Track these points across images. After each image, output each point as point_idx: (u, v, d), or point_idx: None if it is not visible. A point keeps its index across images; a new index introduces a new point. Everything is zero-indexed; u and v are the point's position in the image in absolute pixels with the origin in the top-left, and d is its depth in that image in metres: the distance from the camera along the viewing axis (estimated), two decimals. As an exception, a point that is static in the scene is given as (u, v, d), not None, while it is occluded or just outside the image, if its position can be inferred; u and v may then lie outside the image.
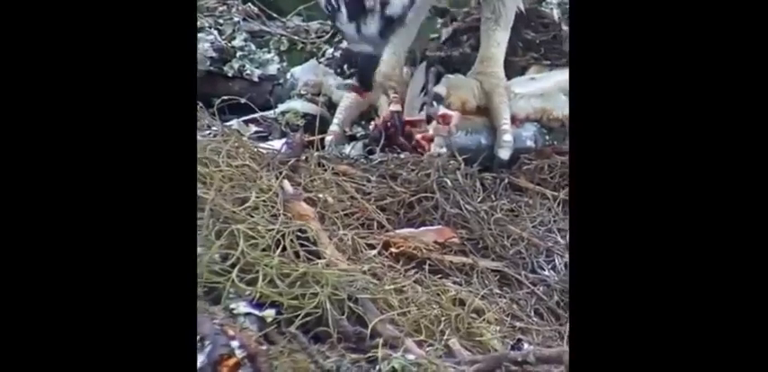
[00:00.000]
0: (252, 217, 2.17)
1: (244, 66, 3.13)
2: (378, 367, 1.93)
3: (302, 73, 3.09)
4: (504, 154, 2.84)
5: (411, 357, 1.95)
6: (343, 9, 2.57)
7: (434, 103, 2.88)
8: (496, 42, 2.95)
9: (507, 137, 2.85)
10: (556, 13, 3.48)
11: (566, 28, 3.45)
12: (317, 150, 2.68)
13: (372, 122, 2.90)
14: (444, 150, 2.80)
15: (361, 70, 2.74)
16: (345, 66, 3.15)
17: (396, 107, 2.85)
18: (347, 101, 2.94)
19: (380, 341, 1.99)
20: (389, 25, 2.59)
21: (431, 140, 2.84)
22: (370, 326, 2.04)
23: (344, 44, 3.15)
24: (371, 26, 2.58)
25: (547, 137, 2.98)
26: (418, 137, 2.83)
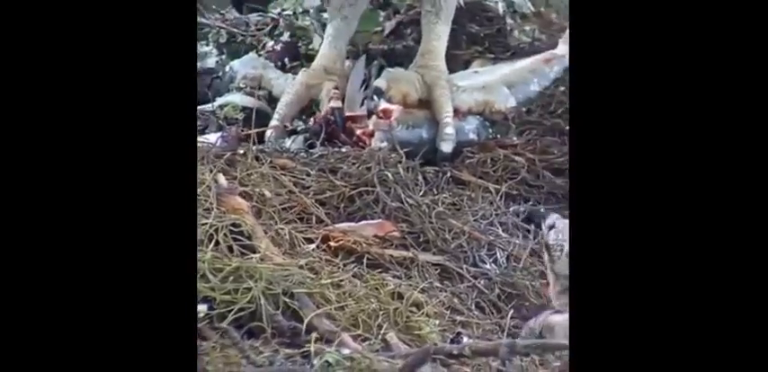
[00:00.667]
0: (185, 210, 2.13)
1: (182, 60, 3.08)
2: (311, 362, 1.89)
3: (241, 66, 3.05)
4: (447, 147, 2.82)
5: (345, 351, 1.91)
6: None
7: (375, 97, 2.85)
8: (437, 35, 2.94)
9: (449, 130, 2.83)
10: (501, 7, 3.47)
11: (510, 21, 3.45)
12: (255, 144, 2.64)
13: (313, 117, 2.86)
14: (385, 144, 2.77)
15: None
16: (286, 60, 3.11)
17: (336, 103, 2.83)
18: (288, 97, 2.91)
19: (314, 335, 1.95)
20: None
21: (371, 135, 2.82)
22: (305, 321, 2.00)
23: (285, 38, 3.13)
24: None
25: (490, 130, 2.96)
26: (359, 132, 2.81)
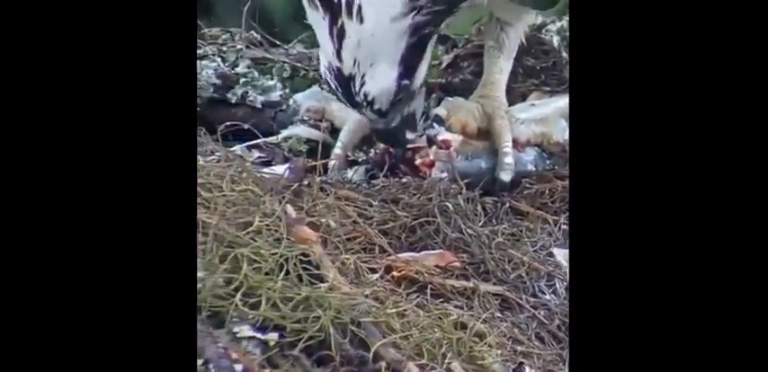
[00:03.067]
0: (255, 240, 2.19)
1: (247, 93, 3.16)
2: (380, 391, 1.93)
3: (304, 99, 3.12)
4: (506, 176, 2.86)
5: (413, 379, 1.96)
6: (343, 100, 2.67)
7: (435, 125, 2.89)
8: (500, 69, 2.99)
9: (509, 160, 2.87)
10: (555, 40, 3.51)
11: (565, 54, 3.49)
12: (320, 175, 2.70)
13: (374, 147, 2.92)
14: (445, 175, 2.82)
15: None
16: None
17: None
18: (350, 125, 2.96)
19: (383, 364, 1.99)
20: (381, 113, 2.69)
21: (431, 165, 2.86)
22: (372, 349, 2.05)
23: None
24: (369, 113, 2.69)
25: (547, 162, 2.99)
26: (418, 162, 2.85)
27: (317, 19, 2.64)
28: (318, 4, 2.62)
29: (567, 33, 3.53)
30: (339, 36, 2.62)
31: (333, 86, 2.68)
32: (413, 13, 2.62)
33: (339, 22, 2.61)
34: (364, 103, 2.68)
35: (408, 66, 2.68)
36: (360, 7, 2.58)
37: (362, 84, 2.66)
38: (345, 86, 2.65)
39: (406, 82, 2.68)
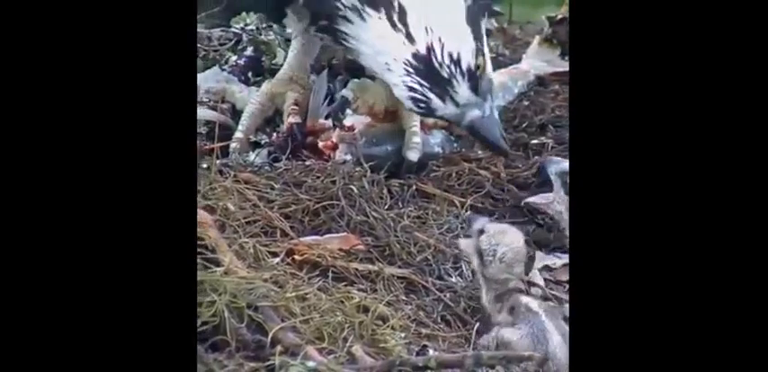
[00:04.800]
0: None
1: (145, 74, 3.06)
2: (276, 375, 1.88)
3: (204, 80, 3.03)
4: (413, 155, 2.82)
5: (311, 364, 1.90)
6: (430, 94, 2.52)
7: (342, 107, 2.84)
8: None
9: (416, 139, 2.83)
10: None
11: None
12: (218, 157, 2.62)
13: (276, 130, 2.85)
14: (350, 157, 2.76)
15: (487, 137, 2.61)
16: (250, 74, 3.10)
17: (295, 118, 2.81)
18: (252, 107, 2.89)
19: (279, 348, 1.93)
20: (475, 80, 2.53)
21: (335, 148, 2.80)
22: (270, 334, 1.99)
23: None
24: (462, 91, 2.53)
25: (455, 144, 2.96)
26: (321, 145, 2.79)
27: None
28: None
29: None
30: None
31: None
32: None
33: None
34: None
35: None
36: None
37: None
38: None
39: None
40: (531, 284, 2.29)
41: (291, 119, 2.81)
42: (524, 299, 2.23)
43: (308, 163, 2.73)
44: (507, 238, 2.28)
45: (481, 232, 2.30)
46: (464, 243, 2.39)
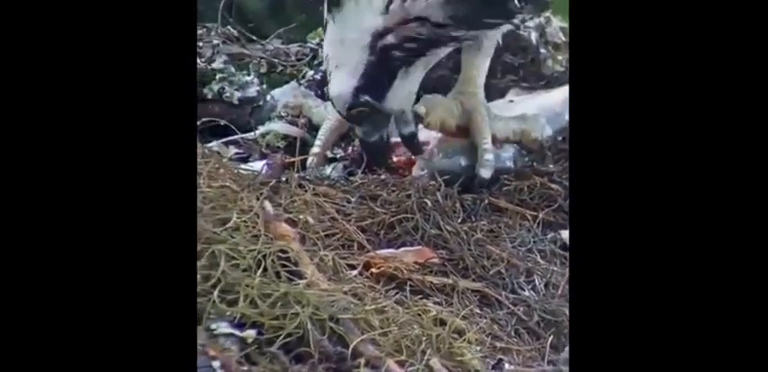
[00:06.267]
0: (233, 237, 2.17)
1: (223, 89, 3.14)
2: (359, 387, 1.92)
3: (282, 95, 3.10)
4: (486, 173, 2.86)
5: (392, 376, 1.94)
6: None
7: (413, 122, 2.88)
8: (477, 66, 2.97)
9: (488, 156, 2.86)
10: (534, 37, 3.51)
11: (543, 50, 3.49)
12: (298, 171, 2.68)
13: (351, 144, 2.90)
14: (425, 172, 2.81)
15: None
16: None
17: None
18: (329, 123, 2.95)
19: (361, 361, 1.98)
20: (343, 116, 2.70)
21: (409, 164, 2.85)
22: (351, 346, 2.03)
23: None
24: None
25: (526, 159, 2.99)
26: (395, 160, 2.84)
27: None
28: None
29: (546, 30, 3.54)
30: (324, 28, 2.61)
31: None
32: (386, 34, 2.60)
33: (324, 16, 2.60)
34: (329, 99, 2.66)
35: (372, 83, 2.66)
36: (342, 7, 2.57)
37: (328, 82, 2.65)
38: (323, 79, 2.62)
39: (366, 98, 2.65)
40: None
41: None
42: None
43: (383, 176, 2.78)
44: None
45: None
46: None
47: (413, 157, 2.84)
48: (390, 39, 2.60)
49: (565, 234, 2.36)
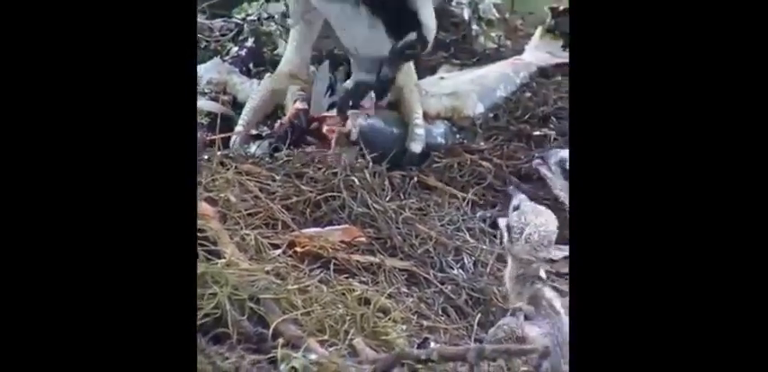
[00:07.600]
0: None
1: (146, 65, 3.05)
2: (278, 368, 1.87)
3: (206, 71, 3.02)
4: (416, 147, 2.82)
5: (312, 356, 1.90)
6: None
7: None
8: None
9: (419, 131, 2.83)
10: (466, 13, 3.47)
11: (476, 27, 3.45)
12: (220, 149, 2.61)
13: (278, 121, 2.84)
14: (356, 130, 2.74)
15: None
16: (251, 65, 3.10)
17: (301, 104, 2.81)
18: (252, 103, 2.89)
19: (281, 341, 1.93)
20: None
21: (341, 136, 2.79)
22: (271, 326, 1.98)
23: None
24: None
25: (457, 136, 2.96)
26: (326, 129, 2.78)
27: None
28: None
29: (480, 6, 3.50)
30: None
31: None
32: None
33: None
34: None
35: None
36: None
37: None
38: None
39: None
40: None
41: (298, 105, 2.80)
42: (549, 294, 2.18)
43: (308, 150, 2.72)
44: (539, 220, 2.21)
45: (516, 208, 2.24)
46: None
47: (343, 128, 2.77)
48: None
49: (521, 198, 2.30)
